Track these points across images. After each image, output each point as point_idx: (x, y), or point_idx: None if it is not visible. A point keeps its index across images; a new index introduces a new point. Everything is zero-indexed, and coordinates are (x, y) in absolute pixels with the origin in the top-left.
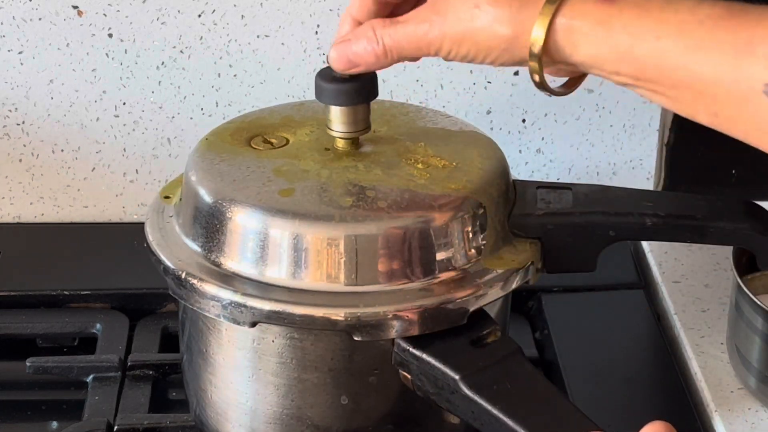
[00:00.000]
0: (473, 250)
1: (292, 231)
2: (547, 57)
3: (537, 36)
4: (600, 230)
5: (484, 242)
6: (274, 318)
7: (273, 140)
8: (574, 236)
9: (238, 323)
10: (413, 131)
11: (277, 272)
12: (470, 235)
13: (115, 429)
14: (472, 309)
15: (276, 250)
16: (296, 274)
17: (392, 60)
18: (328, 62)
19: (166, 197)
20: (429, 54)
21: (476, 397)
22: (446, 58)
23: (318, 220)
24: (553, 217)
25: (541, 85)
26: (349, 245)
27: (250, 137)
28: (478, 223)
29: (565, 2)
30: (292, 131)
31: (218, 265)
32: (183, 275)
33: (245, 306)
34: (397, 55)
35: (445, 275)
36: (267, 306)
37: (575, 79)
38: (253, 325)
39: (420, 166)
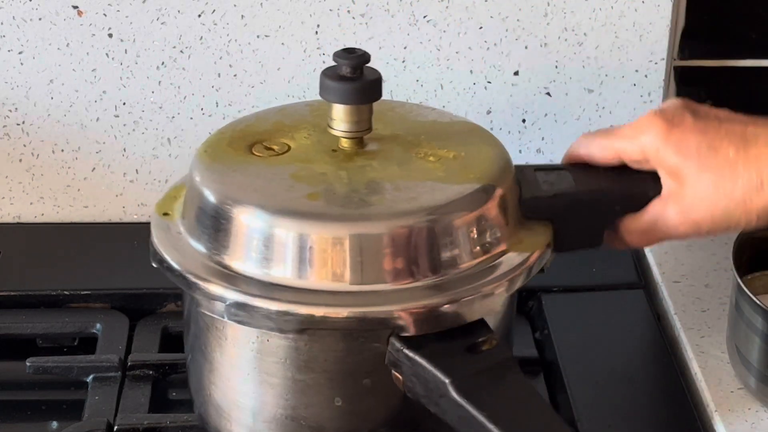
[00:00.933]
0: (498, 237)
1: (321, 233)
2: None
3: None
4: (606, 206)
5: (506, 227)
6: (278, 318)
7: (274, 146)
8: (584, 214)
9: (243, 323)
10: (408, 126)
11: (282, 272)
12: (496, 221)
13: (115, 429)
14: (482, 311)
15: (296, 253)
16: (302, 273)
17: None
18: None
19: (165, 214)
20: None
21: (464, 402)
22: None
23: (349, 221)
24: (563, 198)
25: None
26: (385, 241)
27: (250, 145)
28: (501, 210)
29: None
30: (290, 136)
31: (224, 266)
32: (188, 275)
33: (250, 306)
34: None
35: (457, 271)
36: (273, 306)
37: None
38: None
39: (432, 159)
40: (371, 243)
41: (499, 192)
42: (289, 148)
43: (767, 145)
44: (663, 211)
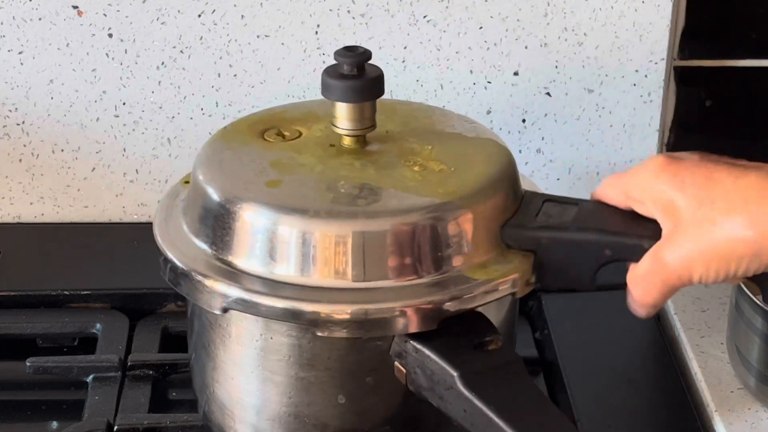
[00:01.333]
0: (455, 257)
1: (267, 225)
2: None
3: None
4: (595, 248)
5: (466, 250)
6: (282, 315)
7: (286, 133)
8: (569, 252)
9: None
10: (427, 133)
11: (259, 265)
12: (451, 241)
13: (115, 429)
14: (451, 311)
15: (256, 243)
16: (279, 268)
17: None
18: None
19: (186, 182)
20: (679, 287)
21: (471, 396)
22: (699, 282)
23: (291, 214)
24: (548, 231)
25: None
26: (325, 241)
27: (265, 129)
28: (461, 230)
29: None
30: (308, 126)
31: (225, 263)
32: (191, 273)
33: (252, 303)
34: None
35: (430, 277)
36: (278, 303)
37: None
38: (224, 310)
39: (417, 168)
40: (313, 239)
41: (456, 212)
42: (299, 135)
43: (758, 175)
44: (658, 253)
